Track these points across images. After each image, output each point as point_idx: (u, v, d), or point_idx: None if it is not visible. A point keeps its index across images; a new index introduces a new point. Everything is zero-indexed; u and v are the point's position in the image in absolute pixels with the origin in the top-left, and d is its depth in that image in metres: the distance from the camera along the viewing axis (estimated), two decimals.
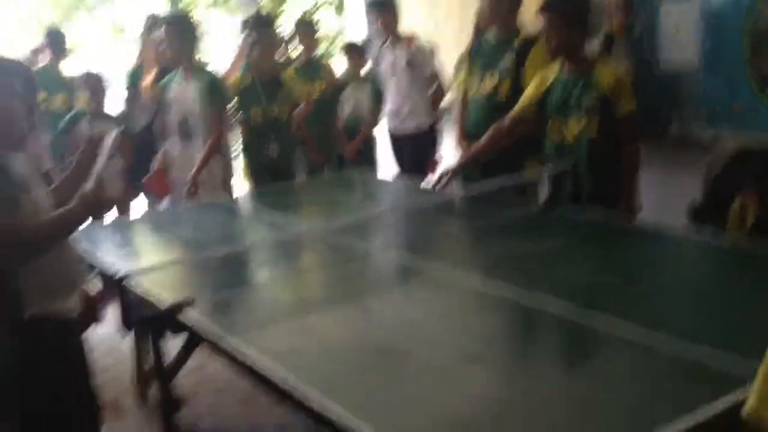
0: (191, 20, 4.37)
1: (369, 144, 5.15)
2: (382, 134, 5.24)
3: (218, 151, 4.24)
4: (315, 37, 5.33)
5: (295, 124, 4.61)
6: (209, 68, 4.62)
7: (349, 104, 5.11)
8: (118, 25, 11.46)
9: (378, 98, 5.05)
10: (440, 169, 3.62)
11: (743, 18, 3.53)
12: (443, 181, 3.40)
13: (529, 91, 3.29)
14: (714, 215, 2.86)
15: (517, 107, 3.32)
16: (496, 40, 3.66)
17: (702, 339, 1.79)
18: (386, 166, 5.27)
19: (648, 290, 2.26)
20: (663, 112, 3.93)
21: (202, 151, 4.16)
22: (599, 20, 3.86)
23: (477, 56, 3.73)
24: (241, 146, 4.78)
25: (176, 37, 4.20)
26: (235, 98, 4.53)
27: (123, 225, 3.82)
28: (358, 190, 4.13)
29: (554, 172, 3.26)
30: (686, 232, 2.90)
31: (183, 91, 4.25)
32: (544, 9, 3.13)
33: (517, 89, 3.43)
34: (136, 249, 3.26)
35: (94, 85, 4.72)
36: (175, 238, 3.40)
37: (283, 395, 1.90)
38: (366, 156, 5.10)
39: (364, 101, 5.08)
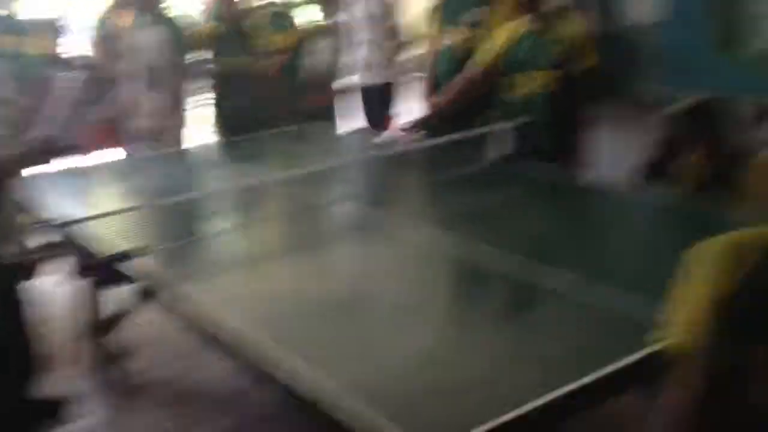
0: None
1: (330, 97, 5.08)
2: (346, 87, 5.18)
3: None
4: None
5: (271, 74, 4.55)
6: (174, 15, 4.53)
7: (312, 56, 5.03)
8: None
9: (338, 51, 4.98)
10: (406, 122, 3.62)
11: None
12: (410, 133, 3.41)
13: (494, 44, 3.29)
14: (667, 171, 2.89)
15: (487, 59, 3.32)
16: None
17: (635, 291, 1.82)
18: (347, 119, 5.22)
19: (591, 244, 2.29)
20: (622, 68, 3.92)
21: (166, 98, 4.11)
22: None
23: (447, 8, 3.68)
24: (214, 96, 4.72)
25: None
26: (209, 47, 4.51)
27: (75, 172, 3.75)
28: (317, 142, 4.09)
29: (513, 126, 3.26)
30: (638, 188, 2.92)
31: (149, 38, 4.14)
32: None
33: (485, 41, 3.42)
34: (86, 197, 3.20)
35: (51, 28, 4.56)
36: (128, 186, 3.35)
37: (229, 347, 1.90)
38: (327, 109, 5.05)
39: (326, 53, 5.01)
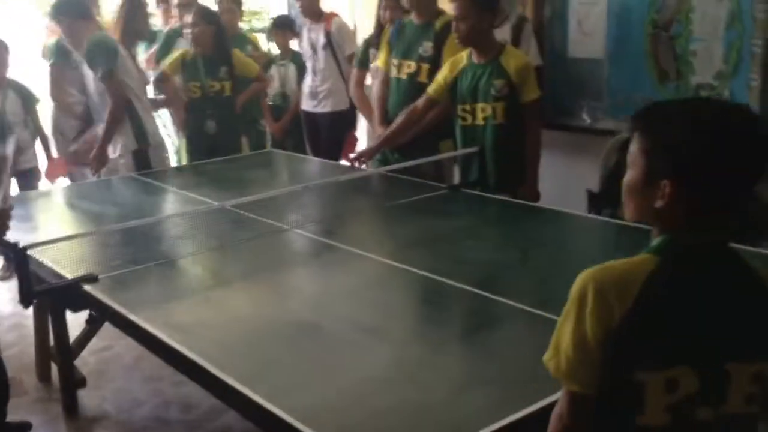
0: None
1: (296, 122, 5.12)
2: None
3: (119, 120, 3.99)
4: (240, 10, 5.32)
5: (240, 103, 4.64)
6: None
7: (274, 82, 5.09)
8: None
9: (303, 75, 5.05)
10: (357, 151, 3.68)
11: (647, 9, 3.68)
12: (359, 162, 3.49)
13: (442, 75, 3.38)
14: (611, 202, 3.00)
15: (430, 89, 3.41)
16: (416, 25, 3.69)
17: None
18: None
19: (540, 266, 2.38)
20: (569, 100, 4.07)
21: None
22: (511, 5, 3.95)
23: (397, 40, 3.76)
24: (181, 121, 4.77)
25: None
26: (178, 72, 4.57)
27: (30, 197, 3.71)
28: (276, 167, 4.13)
29: (462, 155, 3.36)
30: (584, 216, 3.03)
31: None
32: None
33: (436, 73, 3.49)
34: (41, 222, 3.18)
35: None
36: (83, 211, 3.34)
37: (187, 372, 1.92)
38: (294, 134, 5.09)
39: (290, 78, 5.06)
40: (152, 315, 2.09)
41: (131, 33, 4.29)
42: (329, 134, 4.93)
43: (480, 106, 3.25)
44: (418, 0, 3.62)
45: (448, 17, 3.59)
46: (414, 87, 3.62)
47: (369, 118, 4.24)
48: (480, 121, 3.27)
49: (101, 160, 3.95)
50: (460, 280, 2.22)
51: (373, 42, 4.19)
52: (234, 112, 4.60)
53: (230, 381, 1.67)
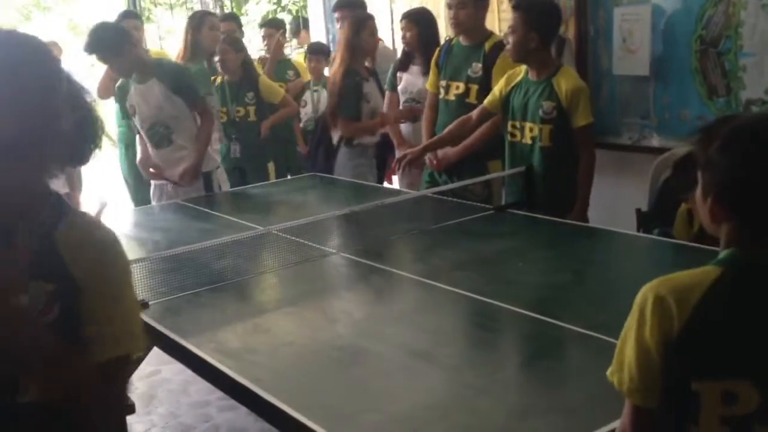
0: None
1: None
2: None
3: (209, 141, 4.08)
4: (284, 36, 5.45)
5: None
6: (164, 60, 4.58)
7: (308, 107, 5.12)
8: (74, 24, 11.30)
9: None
10: (402, 153, 3.68)
11: (693, 25, 3.62)
12: (406, 166, 3.49)
13: (498, 87, 3.36)
14: (661, 220, 2.94)
15: (485, 101, 3.40)
16: (464, 46, 3.69)
17: None
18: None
19: (594, 287, 2.33)
20: (614, 118, 4.01)
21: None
22: None
23: (446, 62, 3.75)
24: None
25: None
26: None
27: None
28: (319, 191, 4.14)
29: (511, 174, 3.33)
30: (634, 235, 2.97)
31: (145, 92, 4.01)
32: (513, 7, 3.22)
33: (485, 94, 3.48)
34: None
35: None
36: (130, 238, 3.37)
37: (237, 396, 1.91)
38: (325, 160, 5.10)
39: (323, 104, 5.07)
40: (202, 340, 2.10)
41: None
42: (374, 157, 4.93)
43: (528, 125, 3.22)
44: (466, 24, 3.62)
45: (497, 38, 3.58)
46: (463, 108, 3.60)
47: (397, 141, 4.28)
48: (528, 140, 3.24)
49: (194, 175, 3.98)
50: (512, 303, 2.18)
51: (398, 65, 4.27)
52: (259, 137, 4.68)
53: (284, 407, 1.65)
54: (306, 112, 5.13)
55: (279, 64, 5.27)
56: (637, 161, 3.78)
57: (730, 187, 1.17)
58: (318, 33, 6.39)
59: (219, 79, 4.75)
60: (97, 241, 1.26)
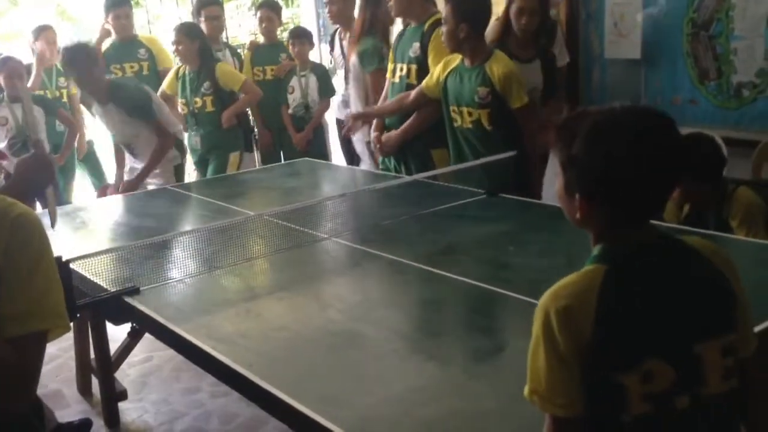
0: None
1: (319, 132, 5.13)
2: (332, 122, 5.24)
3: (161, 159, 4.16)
4: (279, 19, 5.34)
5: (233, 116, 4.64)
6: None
7: (296, 93, 5.08)
8: (62, 10, 11.19)
9: (326, 86, 5.04)
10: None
11: (684, 9, 3.62)
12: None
13: (436, 71, 3.41)
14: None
15: (422, 83, 3.47)
16: (412, 28, 3.72)
17: None
18: (337, 153, 5.27)
19: None
20: (605, 102, 4.00)
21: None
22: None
23: (397, 46, 3.79)
24: None
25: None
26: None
27: (67, 211, 3.74)
28: (310, 176, 4.12)
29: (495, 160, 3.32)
30: None
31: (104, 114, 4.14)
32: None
33: (424, 74, 3.54)
34: (79, 236, 3.20)
35: (12, 68, 4.57)
36: (121, 224, 3.36)
37: (229, 382, 1.91)
38: (316, 145, 5.09)
39: (312, 89, 5.05)
40: (194, 326, 2.09)
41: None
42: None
43: (467, 109, 3.29)
44: (401, 7, 3.66)
45: (438, 16, 3.60)
46: (405, 89, 3.67)
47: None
48: (468, 124, 3.31)
49: (133, 188, 4.07)
50: (504, 287, 2.18)
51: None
52: (219, 128, 4.59)
53: (277, 392, 1.65)
54: (294, 98, 5.07)
55: (271, 47, 5.21)
56: None
57: (603, 182, 1.18)
58: (308, 19, 6.36)
59: (181, 69, 4.64)
60: (11, 220, 1.31)
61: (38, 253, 1.33)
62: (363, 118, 3.98)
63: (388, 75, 3.87)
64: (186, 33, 4.50)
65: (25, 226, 1.33)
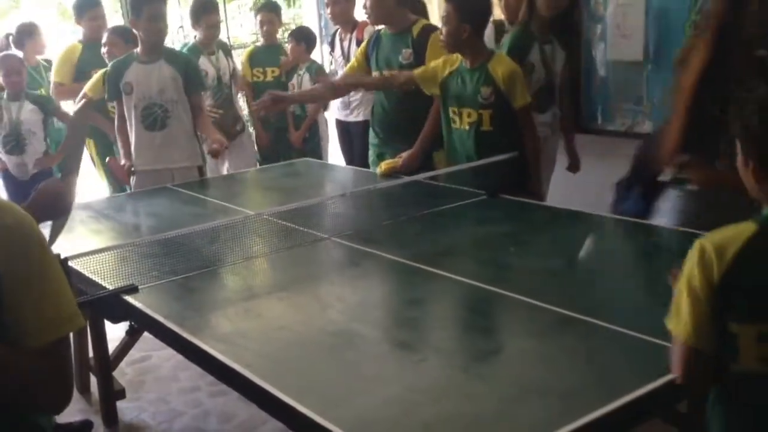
0: None
1: (314, 131, 5.13)
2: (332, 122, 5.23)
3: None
4: (279, 21, 5.33)
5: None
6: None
7: (294, 91, 5.09)
8: (63, 9, 11.18)
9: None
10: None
11: (687, 11, 3.61)
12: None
13: (435, 65, 3.40)
14: (637, 188, 2.92)
15: (417, 71, 3.43)
16: (391, 34, 3.72)
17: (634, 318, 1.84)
18: (336, 152, 5.26)
19: (587, 272, 2.33)
20: (607, 104, 4.00)
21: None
22: None
23: (376, 53, 3.78)
24: None
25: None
26: None
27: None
28: (310, 176, 4.12)
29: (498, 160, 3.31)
30: (626, 221, 2.95)
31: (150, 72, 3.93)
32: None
33: None
34: (79, 234, 3.19)
35: (10, 66, 4.56)
36: (120, 222, 3.34)
37: (228, 381, 1.90)
38: (311, 143, 5.09)
39: (305, 88, 5.05)
40: (193, 325, 2.08)
41: None
42: (362, 143, 4.91)
43: (467, 111, 3.27)
44: (381, 14, 3.68)
45: (424, 22, 3.60)
46: (400, 94, 3.65)
47: None
48: (465, 126, 3.29)
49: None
50: (504, 287, 2.17)
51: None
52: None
53: (276, 392, 1.64)
54: None
55: (270, 49, 5.21)
56: (629, 147, 3.76)
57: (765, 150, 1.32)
58: (310, 20, 6.35)
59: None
60: (5, 227, 1.26)
61: (42, 255, 1.30)
62: (348, 88, 4.01)
63: (349, 71, 3.90)
64: (121, 35, 4.39)
65: (20, 230, 1.29)
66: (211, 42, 4.82)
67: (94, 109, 4.43)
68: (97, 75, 4.51)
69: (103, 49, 4.46)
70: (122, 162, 4.00)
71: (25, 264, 1.27)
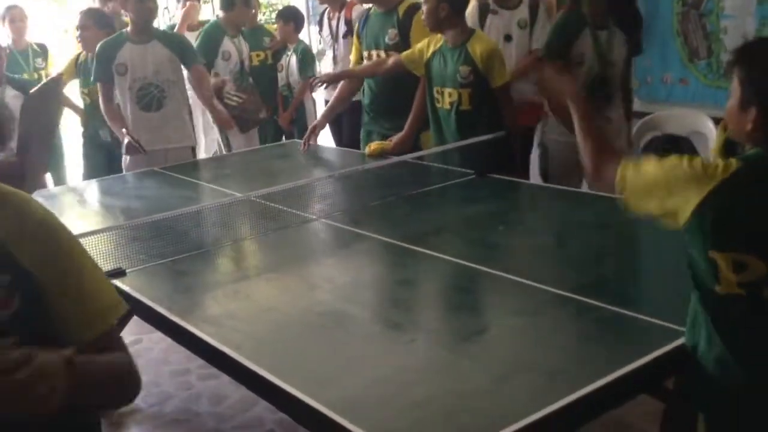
0: None
1: (302, 112, 5.10)
2: (320, 102, 5.20)
3: None
4: (258, 3, 5.32)
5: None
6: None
7: (283, 72, 5.06)
8: None
9: (307, 65, 5.01)
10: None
11: None
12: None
13: (420, 46, 3.38)
14: None
15: (402, 54, 3.42)
16: (379, 14, 3.69)
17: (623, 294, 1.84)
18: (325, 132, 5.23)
19: (575, 251, 2.33)
20: None
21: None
22: None
23: (365, 32, 3.76)
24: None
25: None
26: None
27: (54, 193, 3.72)
28: (299, 158, 4.09)
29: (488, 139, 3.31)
30: (616, 198, 2.96)
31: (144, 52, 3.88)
32: None
33: None
34: (66, 217, 3.16)
35: None
36: (107, 206, 3.33)
37: (218, 364, 1.89)
38: (298, 123, 5.07)
39: (292, 69, 5.03)
40: (182, 308, 2.07)
41: None
42: (351, 123, 4.88)
43: (447, 90, 3.27)
44: None
45: (411, 1, 3.56)
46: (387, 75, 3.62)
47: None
48: (446, 106, 3.29)
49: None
50: (493, 266, 2.17)
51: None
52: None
53: (265, 373, 1.64)
54: (281, 77, 5.07)
55: (255, 31, 5.15)
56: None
57: None
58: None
59: (82, 56, 4.39)
60: (36, 224, 1.20)
61: (71, 246, 1.24)
62: (335, 80, 4.02)
63: (353, 58, 3.87)
64: (95, 19, 4.29)
65: (46, 223, 1.22)
66: (241, 25, 4.75)
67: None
68: (69, 59, 4.51)
69: (76, 33, 4.38)
70: (126, 140, 3.84)
71: (57, 259, 1.19)
